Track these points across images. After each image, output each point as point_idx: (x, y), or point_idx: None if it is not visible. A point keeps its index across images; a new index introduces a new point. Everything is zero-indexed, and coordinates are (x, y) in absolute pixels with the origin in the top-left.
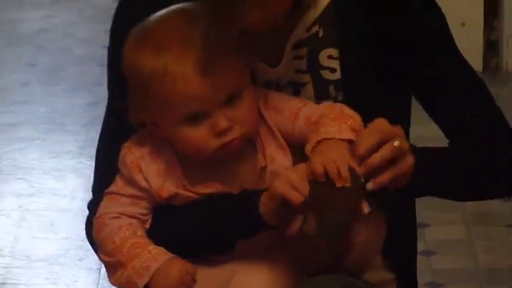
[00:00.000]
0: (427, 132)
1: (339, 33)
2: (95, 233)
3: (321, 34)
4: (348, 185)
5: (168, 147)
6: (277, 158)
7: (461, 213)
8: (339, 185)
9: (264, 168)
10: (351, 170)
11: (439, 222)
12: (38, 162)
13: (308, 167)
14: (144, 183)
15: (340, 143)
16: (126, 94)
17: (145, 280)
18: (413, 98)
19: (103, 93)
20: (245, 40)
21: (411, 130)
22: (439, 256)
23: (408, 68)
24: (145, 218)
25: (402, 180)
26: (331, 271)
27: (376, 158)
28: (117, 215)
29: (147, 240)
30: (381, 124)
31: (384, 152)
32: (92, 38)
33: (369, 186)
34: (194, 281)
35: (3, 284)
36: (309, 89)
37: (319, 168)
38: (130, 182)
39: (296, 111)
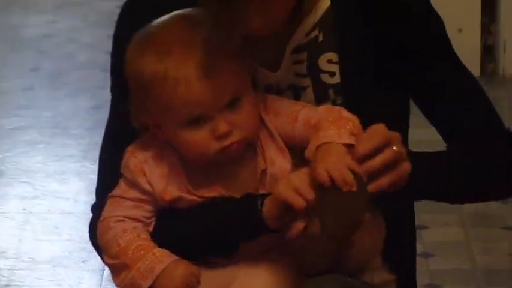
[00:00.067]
0: (426, 136)
1: (338, 37)
2: (99, 236)
3: (320, 39)
4: (354, 189)
5: (172, 151)
6: (277, 161)
7: (458, 215)
8: (345, 190)
9: (264, 171)
10: (355, 173)
11: (437, 224)
12: (41, 166)
13: (311, 172)
14: (147, 187)
15: (340, 147)
16: (129, 98)
17: (149, 282)
18: (412, 102)
19: (106, 96)
20: (247, 46)
21: (410, 134)
22: (437, 258)
23: (407, 73)
24: (149, 221)
25: (399, 185)
26: (330, 272)
27: (376, 161)
28: (121, 218)
29: (151, 243)
30: (380, 129)
31: (384, 156)
32: (96, 44)
33: (370, 188)
34: (198, 282)
35: (7, 285)
36: (309, 93)
37: (323, 175)
38: (134, 185)
39: (295, 115)
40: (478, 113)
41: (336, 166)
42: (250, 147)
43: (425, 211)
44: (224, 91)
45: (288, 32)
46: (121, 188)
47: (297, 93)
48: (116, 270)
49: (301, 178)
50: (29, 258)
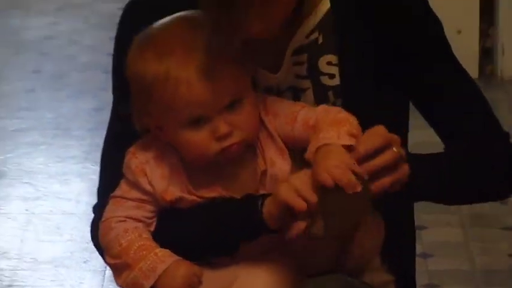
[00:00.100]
0: (425, 137)
1: (338, 40)
2: (101, 236)
3: (320, 41)
4: (359, 190)
5: (173, 152)
6: (277, 161)
7: (458, 215)
8: (349, 192)
9: (264, 172)
10: (357, 174)
11: (436, 225)
12: (43, 167)
13: (313, 175)
14: (148, 187)
15: (340, 149)
16: (130, 99)
17: (151, 281)
18: (411, 104)
19: (108, 98)
20: (247, 50)
21: (410, 135)
22: (436, 258)
23: (407, 75)
24: (150, 221)
25: (398, 186)
26: (330, 272)
27: (377, 162)
28: (123, 219)
29: (153, 243)
30: (379, 130)
31: (385, 157)
32: (97, 46)
33: (372, 188)
34: (200, 282)
35: (9, 286)
36: (309, 95)
37: (326, 177)
38: (135, 186)
39: (294, 115)
40: (477, 115)
41: (338, 168)
42: (250, 148)
43: (424, 212)
44: (225, 92)
45: (289, 33)
46: (122, 189)
47: (297, 95)
48: (117, 270)
49: (302, 180)
50: (31, 258)
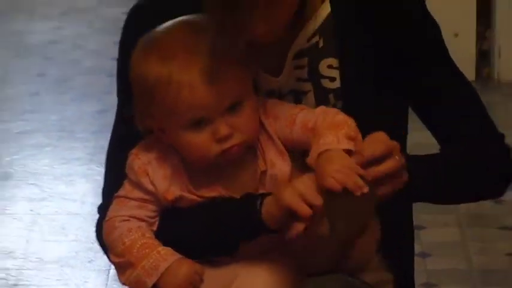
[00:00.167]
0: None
1: (338, 43)
2: (105, 235)
3: (321, 44)
4: (366, 191)
5: (174, 153)
6: (277, 163)
7: (455, 215)
8: (357, 193)
9: (264, 172)
10: (362, 178)
11: (434, 225)
12: (49, 168)
13: (317, 179)
14: (150, 187)
15: (340, 153)
16: (133, 102)
17: (154, 279)
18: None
19: (112, 101)
20: (251, 52)
21: (408, 136)
22: (434, 257)
23: (407, 79)
24: (153, 220)
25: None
26: (330, 271)
27: (381, 169)
28: (126, 218)
29: (156, 242)
30: (381, 137)
31: (388, 165)
32: (101, 50)
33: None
34: (202, 280)
35: (15, 285)
36: (310, 97)
37: (333, 182)
38: (138, 186)
39: (293, 118)
40: (474, 118)
41: (342, 172)
42: (250, 150)
43: (423, 212)
44: (226, 95)
45: (290, 37)
46: (126, 189)
47: (298, 98)
48: (121, 268)
49: (306, 184)
50: (37, 258)
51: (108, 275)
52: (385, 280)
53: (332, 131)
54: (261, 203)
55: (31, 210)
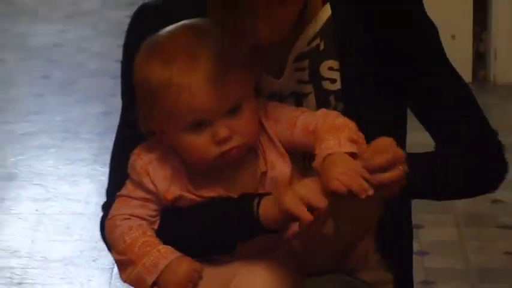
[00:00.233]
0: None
1: (338, 44)
2: (107, 234)
3: (322, 47)
4: (371, 193)
5: (175, 154)
6: (278, 164)
7: (453, 215)
8: (362, 196)
9: (264, 173)
10: (367, 181)
11: (433, 224)
12: (53, 169)
13: (322, 182)
14: (151, 186)
15: (344, 156)
16: (136, 105)
17: (154, 277)
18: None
19: (116, 103)
20: (255, 55)
21: (407, 136)
22: (432, 256)
23: (407, 79)
24: (154, 219)
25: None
26: (330, 271)
27: (386, 177)
28: (127, 216)
29: (156, 240)
30: (389, 143)
31: (393, 174)
32: (105, 52)
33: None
34: (200, 278)
35: (20, 283)
36: (311, 99)
37: (338, 185)
38: (139, 185)
39: (294, 120)
40: (473, 118)
41: (347, 174)
42: (251, 151)
43: (421, 211)
44: (226, 98)
45: (291, 40)
46: (128, 188)
47: (299, 100)
48: (122, 266)
49: (309, 188)
50: (42, 257)
51: (111, 274)
52: (384, 279)
53: (333, 134)
54: (258, 203)
55: (36, 210)
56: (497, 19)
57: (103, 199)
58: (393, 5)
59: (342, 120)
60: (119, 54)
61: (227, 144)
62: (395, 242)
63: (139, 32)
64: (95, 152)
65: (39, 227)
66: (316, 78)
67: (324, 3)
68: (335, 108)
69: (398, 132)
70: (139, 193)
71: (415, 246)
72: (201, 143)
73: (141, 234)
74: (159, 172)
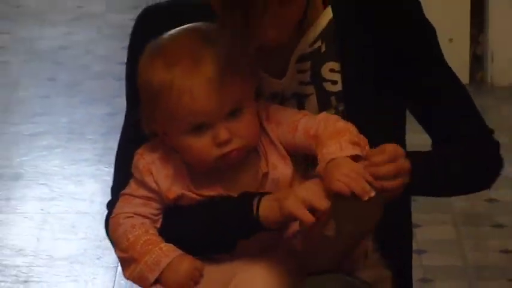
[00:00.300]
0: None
1: (339, 44)
2: (110, 232)
3: (323, 49)
4: (373, 195)
5: (177, 154)
6: (279, 166)
7: (450, 214)
8: (364, 198)
9: (265, 174)
10: (370, 183)
11: (430, 223)
12: (59, 169)
13: (325, 184)
14: (154, 185)
15: (347, 159)
16: (140, 106)
17: (156, 274)
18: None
19: (120, 104)
20: (260, 56)
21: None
22: (429, 254)
23: (407, 79)
24: (156, 218)
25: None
26: (330, 271)
27: (389, 184)
28: (130, 215)
29: (158, 238)
30: (396, 152)
31: (396, 183)
32: (110, 55)
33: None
34: (202, 276)
35: (26, 281)
36: (313, 100)
37: (341, 186)
38: (142, 184)
39: (295, 124)
40: (473, 118)
41: (350, 176)
42: (253, 153)
43: (419, 211)
44: (227, 101)
45: (293, 42)
46: (131, 187)
47: (300, 101)
48: (125, 263)
49: (311, 190)
50: (47, 255)
51: (116, 272)
52: (383, 277)
53: (334, 139)
54: (258, 202)
55: (41, 210)
56: (494, 22)
57: (107, 198)
58: (393, 5)
59: (342, 124)
60: (123, 56)
61: (227, 146)
62: (395, 242)
63: (143, 35)
64: (99, 153)
65: (45, 226)
66: (317, 79)
67: (325, 6)
68: (336, 109)
69: (398, 132)
70: (142, 192)
71: (413, 245)
72: (202, 145)
73: (143, 232)
74: (161, 171)
